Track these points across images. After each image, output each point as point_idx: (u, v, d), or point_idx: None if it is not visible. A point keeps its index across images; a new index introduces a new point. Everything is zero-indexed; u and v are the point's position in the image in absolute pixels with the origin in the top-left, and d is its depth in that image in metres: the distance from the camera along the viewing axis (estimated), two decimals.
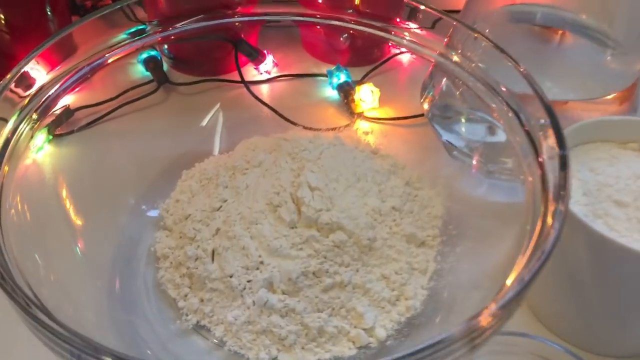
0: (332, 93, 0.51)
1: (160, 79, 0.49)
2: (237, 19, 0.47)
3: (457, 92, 0.42)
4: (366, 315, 0.34)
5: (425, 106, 0.45)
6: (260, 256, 0.36)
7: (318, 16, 0.45)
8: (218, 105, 0.49)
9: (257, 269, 0.35)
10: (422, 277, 0.37)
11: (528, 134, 0.34)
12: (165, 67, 0.52)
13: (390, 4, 0.44)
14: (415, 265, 0.37)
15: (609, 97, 0.43)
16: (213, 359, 0.34)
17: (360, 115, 0.49)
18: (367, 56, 0.53)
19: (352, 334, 0.34)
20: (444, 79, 0.43)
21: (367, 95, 0.49)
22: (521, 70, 0.35)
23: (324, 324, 0.34)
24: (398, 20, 0.43)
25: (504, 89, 0.37)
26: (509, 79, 0.37)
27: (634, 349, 0.36)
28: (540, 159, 0.32)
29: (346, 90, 0.50)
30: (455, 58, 0.40)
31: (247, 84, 0.48)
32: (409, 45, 0.43)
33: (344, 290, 0.35)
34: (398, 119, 0.48)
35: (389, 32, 0.43)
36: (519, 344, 0.31)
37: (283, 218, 0.36)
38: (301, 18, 0.46)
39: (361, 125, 0.49)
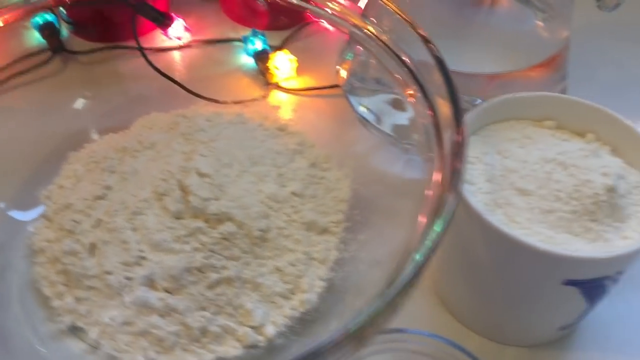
0: (248, 60, 0.47)
1: (55, 47, 0.45)
2: None
3: (370, 64, 0.38)
4: (255, 312, 0.32)
5: (342, 77, 0.42)
6: (141, 251, 0.32)
7: None
8: (118, 76, 0.45)
9: (138, 264, 0.32)
10: (322, 267, 0.34)
11: (432, 110, 0.31)
12: (65, 33, 0.48)
13: None
14: (314, 255, 0.34)
15: (535, 65, 0.39)
16: None
17: (275, 85, 0.45)
18: (288, 20, 0.49)
19: (239, 333, 0.31)
20: (358, 51, 0.39)
21: (282, 64, 0.45)
22: (421, 33, 0.31)
23: (207, 323, 0.31)
24: None
25: (409, 61, 0.34)
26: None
27: (535, 339, 0.34)
28: (442, 137, 0.29)
29: (262, 58, 0.46)
30: (370, 29, 0.36)
31: (144, 51, 0.44)
32: (326, 15, 0.39)
33: (232, 286, 0.32)
34: (313, 89, 0.44)
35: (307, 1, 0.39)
36: (397, 340, 0.29)
37: (168, 208, 0.33)
38: None
39: (276, 97, 0.45)
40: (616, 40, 0.52)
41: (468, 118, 0.32)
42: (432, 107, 0.31)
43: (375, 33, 0.36)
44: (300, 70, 0.46)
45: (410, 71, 0.33)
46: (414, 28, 0.32)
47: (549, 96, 0.34)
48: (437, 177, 0.27)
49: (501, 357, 0.34)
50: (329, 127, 0.41)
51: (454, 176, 0.26)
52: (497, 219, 0.28)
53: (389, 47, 0.35)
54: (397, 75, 0.34)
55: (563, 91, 0.42)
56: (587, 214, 0.28)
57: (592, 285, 0.28)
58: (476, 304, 0.33)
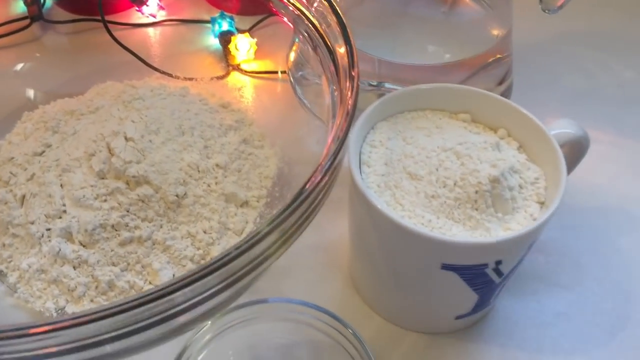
0: (215, 42, 0.49)
1: (34, 15, 0.48)
2: None
3: (310, 54, 0.40)
4: (162, 272, 0.33)
5: (289, 64, 0.43)
6: (63, 205, 0.34)
7: None
8: (88, 47, 0.48)
9: (59, 217, 0.34)
10: (236, 237, 0.35)
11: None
12: (49, 3, 0.50)
13: None
14: (229, 226, 0.36)
15: (475, 57, 0.40)
16: (2, 304, 0.33)
17: (235, 66, 0.47)
18: (259, 6, 0.51)
19: (144, 290, 0.33)
20: (300, 37, 0.41)
21: (243, 46, 0.47)
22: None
23: (115, 277, 0.33)
24: None
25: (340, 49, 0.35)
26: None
27: (433, 326, 0.34)
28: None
29: (226, 40, 0.48)
30: (312, 19, 0.38)
31: (107, 25, 0.46)
32: (279, 6, 0.40)
33: (143, 246, 0.34)
34: (265, 72, 0.46)
35: None
36: (263, 310, 0.30)
37: (94, 167, 0.35)
38: None
39: (234, 77, 0.47)
40: (586, 49, 0.52)
41: (380, 103, 0.33)
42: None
43: (314, 24, 0.37)
44: (259, 55, 0.47)
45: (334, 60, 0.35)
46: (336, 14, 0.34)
47: (464, 89, 0.34)
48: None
49: (400, 341, 0.34)
50: (271, 109, 0.43)
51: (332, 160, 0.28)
52: (384, 200, 0.29)
53: (323, 39, 0.36)
54: (324, 64, 0.36)
55: (508, 88, 0.42)
56: (470, 202, 0.29)
57: (471, 272, 0.29)
58: (377, 287, 0.34)
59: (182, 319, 0.26)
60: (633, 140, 0.44)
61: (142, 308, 0.23)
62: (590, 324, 0.35)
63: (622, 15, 0.55)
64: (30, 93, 0.44)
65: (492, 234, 0.29)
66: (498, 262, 0.29)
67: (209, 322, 0.29)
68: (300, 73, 0.42)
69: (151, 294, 0.23)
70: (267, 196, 0.37)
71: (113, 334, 0.24)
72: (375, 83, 0.41)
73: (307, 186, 0.27)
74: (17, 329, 0.23)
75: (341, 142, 0.28)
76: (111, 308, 0.23)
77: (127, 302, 0.23)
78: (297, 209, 0.26)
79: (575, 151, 0.33)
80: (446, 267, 0.29)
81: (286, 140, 0.40)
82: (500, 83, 0.41)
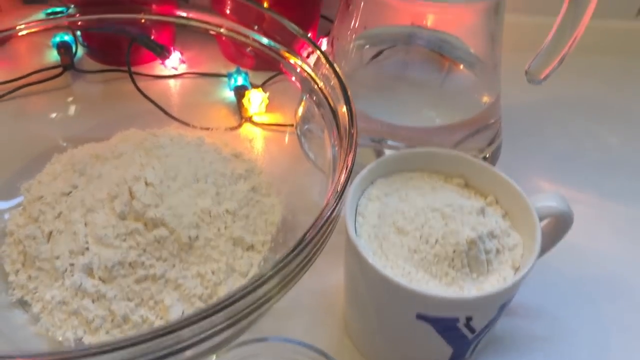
0: (230, 95, 0.53)
1: (66, 64, 0.52)
2: (144, 16, 0.49)
3: (315, 112, 0.44)
4: (172, 309, 0.36)
5: (297, 118, 0.47)
6: (87, 242, 0.38)
7: (222, 29, 0.47)
8: (115, 96, 0.52)
9: (82, 254, 0.38)
10: (241, 279, 0.39)
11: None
12: (80, 53, 0.55)
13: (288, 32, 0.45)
14: (236, 267, 0.39)
15: (465, 122, 0.44)
16: (26, 333, 0.37)
17: (248, 118, 0.51)
18: (272, 64, 0.55)
19: (156, 325, 0.36)
20: (307, 96, 0.45)
21: (255, 100, 0.51)
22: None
23: (129, 312, 0.36)
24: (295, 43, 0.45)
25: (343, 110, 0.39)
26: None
27: None
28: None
29: (240, 94, 0.52)
30: (318, 82, 0.42)
31: (133, 76, 0.50)
32: (289, 68, 0.45)
33: (156, 283, 0.37)
34: (276, 125, 0.50)
35: (280, 55, 0.45)
36: (263, 349, 0.33)
37: (116, 209, 0.39)
38: (206, 26, 0.48)
39: (246, 128, 0.51)
40: (573, 114, 0.56)
41: (381, 161, 0.37)
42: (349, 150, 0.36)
43: (320, 86, 0.41)
44: (270, 108, 0.51)
45: (336, 119, 0.38)
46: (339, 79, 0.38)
47: (459, 156, 0.38)
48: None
49: None
50: (279, 159, 0.47)
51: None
52: (372, 249, 0.33)
53: (327, 100, 0.40)
54: (329, 122, 0.40)
55: (497, 149, 0.46)
56: (448, 259, 0.32)
57: (443, 325, 0.32)
58: (365, 332, 0.37)
59: (188, 353, 0.29)
60: (613, 203, 0.48)
61: (153, 342, 0.27)
62: None
63: (607, 84, 0.60)
64: (61, 136, 0.48)
65: (464, 292, 0.32)
66: (469, 319, 0.32)
67: (214, 357, 0.32)
68: (306, 127, 0.46)
69: (162, 329, 0.27)
70: (271, 241, 0.41)
71: None
72: (376, 139, 0.45)
73: (307, 235, 0.30)
74: (39, 356, 0.26)
75: (339, 197, 0.32)
76: (125, 341, 0.26)
77: (140, 336, 0.26)
78: (297, 255, 0.29)
79: (559, 225, 0.36)
80: (420, 317, 0.32)
81: (291, 190, 0.43)
82: (490, 144, 0.45)
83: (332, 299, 0.41)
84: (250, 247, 0.40)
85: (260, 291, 0.29)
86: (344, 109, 0.37)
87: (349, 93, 0.37)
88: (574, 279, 0.43)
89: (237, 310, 0.28)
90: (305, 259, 0.31)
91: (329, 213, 0.31)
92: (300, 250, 0.30)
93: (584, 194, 0.48)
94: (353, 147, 0.34)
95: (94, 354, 0.26)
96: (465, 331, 0.32)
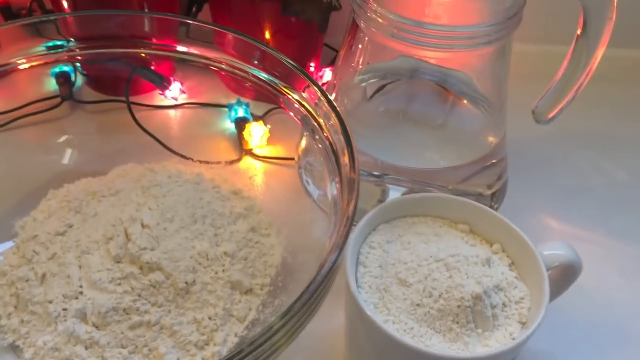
0: (230, 126, 0.52)
1: (65, 94, 0.52)
2: (144, 50, 0.49)
3: (315, 149, 0.43)
4: (167, 357, 0.35)
5: (298, 153, 0.46)
6: (80, 286, 0.37)
7: (222, 65, 0.47)
8: (113, 127, 0.51)
9: (75, 298, 0.37)
10: (239, 324, 0.38)
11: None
12: (79, 83, 0.54)
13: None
14: (234, 312, 0.38)
15: (472, 162, 0.43)
16: None
17: (248, 151, 0.50)
18: (272, 98, 0.55)
19: None
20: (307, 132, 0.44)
21: (256, 133, 0.50)
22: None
23: None
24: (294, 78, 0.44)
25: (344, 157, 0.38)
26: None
27: None
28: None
29: (241, 125, 0.51)
30: (320, 121, 0.41)
31: (131, 107, 0.50)
32: (288, 104, 0.44)
33: (151, 330, 0.36)
34: (276, 158, 0.49)
35: (279, 91, 0.44)
36: None
37: (111, 251, 0.38)
38: (206, 62, 0.47)
39: (247, 161, 0.50)
40: (579, 148, 0.54)
41: (383, 207, 0.36)
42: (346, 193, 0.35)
43: (320, 124, 0.40)
44: (271, 140, 0.51)
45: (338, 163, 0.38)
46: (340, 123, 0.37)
47: (464, 202, 0.37)
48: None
49: None
50: (280, 196, 0.46)
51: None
52: (373, 302, 0.32)
53: (328, 140, 0.39)
54: (329, 163, 0.39)
55: (503, 185, 0.45)
56: (452, 315, 0.31)
57: None
58: None
59: None
60: (621, 242, 0.47)
61: None
62: None
63: (616, 114, 0.58)
64: (57, 169, 0.47)
65: (469, 349, 0.31)
66: None
67: None
68: (307, 160, 0.45)
69: None
70: (270, 284, 0.40)
71: None
72: (377, 174, 0.44)
73: (310, 287, 0.29)
74: None
75: (340, 247, 0.31)
76: None
77: None
78: (302, 306, 0.28)
79: (567, 274, 0.35)
80: None
81: (291, 228, 0.42)
82: (497, 180, 0.44)
83: (332, 342, 0.40)
84: (249, 291, 0.39)
85: (267, 345, 0.28)
86: (346, 155, 0.36)
87: (351, 139, 0.36)
88: (583, 324, 0.42)
89: None
90: (309, 309, 0.30)
91: (330, 265, 0.30)
92: (300, 307, 0.29)
93: (591, 232, 0.47)
94: (355, 194, 0.33)
95: None
96: None
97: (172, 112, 0.54)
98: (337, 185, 0.37)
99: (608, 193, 0.51)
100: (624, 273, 0.45)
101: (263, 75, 0.44)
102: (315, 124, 0.41)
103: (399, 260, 0.34)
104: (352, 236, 0.34)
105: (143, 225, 0.38)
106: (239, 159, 0.50)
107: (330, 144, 0.39)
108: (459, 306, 0.31)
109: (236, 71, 0.45)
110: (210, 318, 0.37)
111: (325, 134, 0.40)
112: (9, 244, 0.41)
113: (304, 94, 0.42)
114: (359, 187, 0.34)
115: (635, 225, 0.48)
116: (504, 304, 0.32)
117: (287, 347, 0.30)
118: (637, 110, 0.59)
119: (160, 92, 0.54)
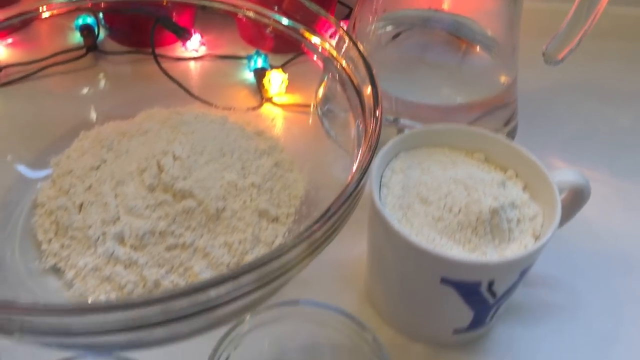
0: (249, 76, 0.54)
1: (89, 46, 0.54)
2: None
3: (336, 91, 0.45)
4: (201, 275, 0.38)
5: (318, 98, 0.48)
6: (118, 212, 0.39)
7: (243, 10, 0.48)
8: (138, 76, 0.53)
9: (113, 223, 0.39)
10: (267, 248, 0.40)
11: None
12: (102, 36, 0.56)
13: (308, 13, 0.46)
14: (261, 238, 0.40)
15: (484, 101, 0.45)
16: (59, 299, 0.38)
17: (268, 99, 0.52)
18: (291, 45, 0.56)
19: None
20: (329, 75, 0.46)
21: (275, 81, 0.52)
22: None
23: (160, 277, 0.37)
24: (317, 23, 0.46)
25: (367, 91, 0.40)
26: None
27: (434, 338, 0.38)
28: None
29: (260, 75, 0.53)
30: (341, 61, 0.43)
31: (157, 58, 0.52)
32: (311, 48, 0.46)
33: (186, 251, 0.38)
34: (296, 105, 0.51)
35: (301, 35, 0.46)
36: (294, 311, 0.34)
37: (145, 181, 0.40)
38: (227, 8, 0.49)
39: (266, 109, 0.52)
40: (585, 97, 0.57)
41: (404, 136, 0.38)
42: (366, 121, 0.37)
43: (343, 66, 0.42)
44: (290, 89, 0.53)
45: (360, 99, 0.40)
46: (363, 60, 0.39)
47: (480, 132, 0.39)
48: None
49: (408, 351, 0.39)
50: (300, 139, 0.48)
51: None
52: (397, 218, 0.34)
53: (350, 79, 0.41)
54: (353, 102, 0.41)
55: (513, 129, 0.47)
56: (471, 227, 0.33)
57: (466, 288, 0.33)
58: (388, 299, 0.38)
59: (219, 312, 0.31)
60: (624, 180, 0.49)
61: (186, 299, 0.28)
62: (582, 343, 0.39)
63: (620, 68, 0.61)
64: (86, 115, 0.49)
65: (487, 257, 0.33)
66: (491, 283, 0.33)
67: (248, 316, 0.34)
68: (327, 107, 0.48)
69: (196, 286, 0.28)
70: (295, 214, 0.42)
71: (162, 318, 0.29)
72: (392, 118, 0.46)
73: (332, 207, 0.31)
74: (88, 306, 0.28)
75: (364, 170, 0.33)
76: (158, 297, 0.28)
77: (171, 293, 0.28)
78: (322, 226, 0.30)
79: (576, 198, 0.37)
80: (445, 281, 0.33)
81: (313, 166, 0.45)
82: (506, 124, 0.46)
83: (354, 269, 0.42)
84: (275, 219, 0.41)
85: (286, 258, 0.30)
86: (369, 89, 0.38)
87: (373, 72, 0.38)
88: (589, 253, 0.44)
89: (263, 274, 0.30)
90: (330, 229, 0.32)
91: (354, 185, 0.32)
92: (325, 221, 0.31)
93: (597, 173, 0.50)
94: (378, 125, 0.35)
95: (131, 307, 0.27)
96: (487, 295, 0.34)
97: (192, 64, 0.56)
98: (360, 122, 0.39)
99: (612, 138, 0.53)
100: (628, 209, 0.47)
101: (284, 21, 0.46)
102: (338, 65, 0.43)
103: (420, 182, 0.36)
104: (376, 160, 0.36)
105: (175, 157, 0.40)
106: (259, 106, 0.52)
107: (352, 82, 0.41)
108: (477, 219, 0.33)
109: (257, 17, 0.47)
110: (240, 242, 0.39)
111: (347, 75, 0.42)
112: (45, 178, 0.44)
113: (325, 37, 0.44)
114: (382, 120, 0.36)
115: (638, 166, 0.50)
116: (518, 220, 0.34)
117: (305, 266, 0.32)
118: (638, 63, 0.61)
119: (182, 44, 0.55)
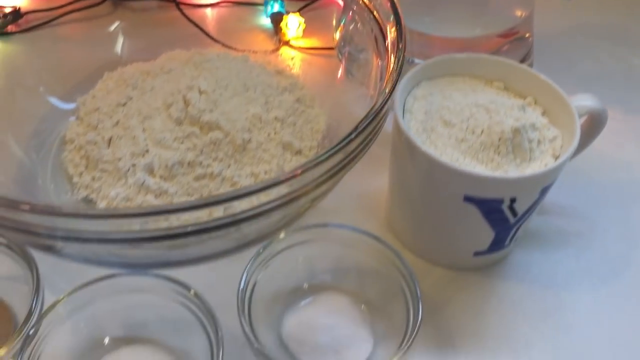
0: (267, 22, 0.55)
1: None
2: None
3: (356, 31, 0.45)
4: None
5: (336, 40, 0.49)
6: (147, 145, 0.40)
7: None
8: (157, 22, 0.54)
9: (143, 156, 0.40)
10: None
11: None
12: None
13: None
14: (286, 169, 0.41)
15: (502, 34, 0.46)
16: None
17: (286, 43, 0.53)
18: None
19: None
20: (349, 18, 0.46)
21: (292, 25, 0.53)
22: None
23: None
24: None
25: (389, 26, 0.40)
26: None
27: (455, 262, 0.39)
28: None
29: (277, 20, 0.54)
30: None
31: (178, 4, 0.52)
32: None
33: (213, 181, 0.40)
34: (315, 48, 0.52)
35: None
36: (320, 234, 0.36)
37: (172, 115, 0.41)
38: None
39: (284, 52, 0.53)
40: (599, 39, 0.58)
41: (426, 65, 0.39)
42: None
43: (366, 3, 0.43)
44: (306, 33, 0.53)
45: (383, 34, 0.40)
46: None
47: (499, 60, 0.40)
48: None
49: (429, 274, 0.40)
50: (320, 78, 0.49)
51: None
52: (420, 139, 0.35)
53: (373, 15, 0.42)
54: (375, 38, 0.41)
55: (529, 67, 0.48)
56: (493, 147, 0.34)
57: (488, 206, 0.34)
58: (410, 224, 0.40)
59: (252, 227, 0.32)
60: (637, 116, 0.50)
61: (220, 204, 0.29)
62: (598, 266, 0.41)
63: (632, 9, 0.61)
64: (107, 58, 0.50)
65: (509, 174, 0.34)
66: (512, 200, 0.34)
67: (278, 237, 0.35)
68: (346, 48, 0.48)
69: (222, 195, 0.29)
70: (317, 147, 0.43)
71: (198, 227, 0.30)
72: (409, 59, 0.47)
73: (361, 123, 0.32)
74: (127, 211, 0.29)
75: (389, 93, 0.34)
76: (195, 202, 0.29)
77: (211, 199, 0.29)
78: (357, 137, 0.32)
79: (594, 123, 0.38)
80: (468, 199, 0.34)
81: (334, 105, 0.45)
82: (522, 61, 0.47)
83: (375, 201, 0.43)
84: (299, 152, 0.42)
85: (323, 167, 0.31)
86: (393, 26, 0.38)
87: (397, 7, 0.39)
88: (605, 184, 0.45)
89: (301, 184, 0.31)
90: (363, 142, 0.33)
91: (380, 105, 0.33)
92: (360, 132, 0.32)
93: (612, 111, 0.49)
94: (402, 57, 0.36)
95: (160, 212, 0.29)
96: (508, 214, 0.35)
97: (209, 11, 0.56)
98: (382, 57, 0.39)
99: (624, 77, 0.54)
100: (638, 142, 0.48)
101: None
102: (361, 3, 0.44)
103: (442, 106, 0.37)
104: (399, 86, 0.37)
105: (200, 92, 0.41)
106: (277, 49, 0.52)
107: (377, 20, 0.41)
108: (499, 139, 0.34)
109: None
110: (265, 172, 0.41)
111: (370, 11, 0.42)
112: (73, 110, 0.45)
113: None
114: (405, 49, 0.37)
115: None
116: (539, 141, 0.35)
117: (335, 184, 0.33)
118: None
119: None
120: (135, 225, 0.29)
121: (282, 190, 0.30)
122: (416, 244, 0.40)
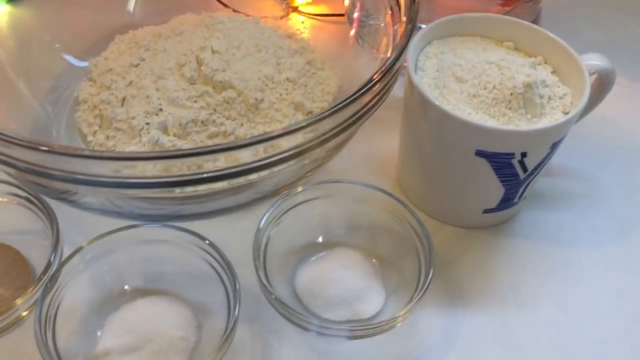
0: None
1: None
2: None
3: None
4: (242, 160, 0.39)
5: (345, 4, 0.49)
6: (160, 104, 0.41)
7: None
8: None
9: (156, 114, 0.41)
10: None
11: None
12: None
13: None
14: None
15: None
16: None
17: (295, 9, 0.53)
18: None
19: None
20: None
21: None
22: None
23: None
24: None
25: None
26: None
27: (465, 219, 0.40)
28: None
29: None
30: None
31: None
32: None
33: (227, 139, 0.40)
34: (324, 15, 0.52)
35: None
36: (334, 189, 0.36)
37: (185, 75, 0.41)
38: None
39: (294, 18, 0.53)
40: (605, 8, 0.58)
41: (437, 24, 0.39)
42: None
43: None
44: (314, 1, 0.54)
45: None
46: None
47: (510, 20, 0.40)
48: None
49: (439, 232, 0.41)
50: (330, 43, 0.49)
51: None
52: (433, 95, 0.36)
53: None
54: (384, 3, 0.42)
55: None
56: (505, 102, 0.35)
57: (499, 161, 0.35)
58: (420, 183, 0.40)
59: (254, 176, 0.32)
60: None
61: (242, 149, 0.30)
62: (603, 224, 0.41)
63: None
64: (117, 23, 0.50)
65: (520, 128, 0.35)
66: (523, 155, 0.35)
67: (292, 192, 0.36)
68: (355, 14, 0.49)
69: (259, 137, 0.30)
70: (329, 107, 0.43)
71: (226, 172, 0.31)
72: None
73: (374, 76, 0.33)
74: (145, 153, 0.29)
75: (401, 49, 0.34)
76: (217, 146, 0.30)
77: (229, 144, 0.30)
78: (369, 90, 0.32)
79: (602, 82, 0.39)
80: (479, 153, 0.35)
81: (344, 68, 0.46)
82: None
83: (385, 162, 0.44)
84: (310, 113, 0.43)
85: (339, 116, 0.32)
86: None
87: None
88: (610, 148, 0.46)
89: (315, 134, 0.32)
90: (374, 97, 0.33)
91: (394, 58, 0.33)
92: (371, 86, 0.32)
93: (617, 77, 0.51)
94: (415, 15, 0.36)
95: (176, 157, 0.30)
96: (519, 169, 0.36)
97: None
98: (396, 22, 0.40)
99: (629, 45, 0.55)
100: None
101: None
102: None
103: (454, 64, 0.37)
104: (411, 43, 0.37)
105: (213, 52, 0.42)
106: (286, 15, 0.53)
107: None
108: (511, 94, 0.35)
109: None
110: None
111: None
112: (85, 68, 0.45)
113: None
114: (417, 13, 0.37)
115: None
116: (549, 97, 0.36)
117: (350, 136, 0.33)
118: None
119: None
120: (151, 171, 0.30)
121: (299, 138, 0.31)
122: (426, 203, 0.41)
